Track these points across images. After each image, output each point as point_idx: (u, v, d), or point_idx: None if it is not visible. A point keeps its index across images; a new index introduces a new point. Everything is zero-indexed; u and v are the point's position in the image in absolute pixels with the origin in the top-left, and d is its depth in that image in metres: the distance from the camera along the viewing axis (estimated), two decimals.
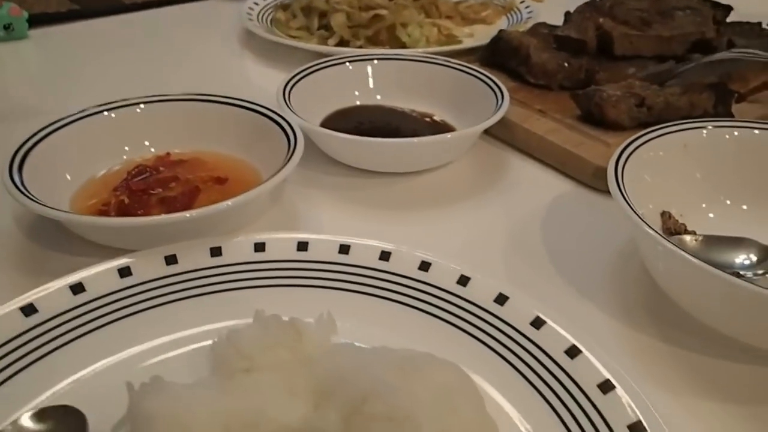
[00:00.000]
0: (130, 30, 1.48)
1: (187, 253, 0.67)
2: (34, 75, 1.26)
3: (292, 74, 0.97)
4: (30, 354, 0.58)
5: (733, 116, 0.94)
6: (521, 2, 1.51)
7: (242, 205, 0.70)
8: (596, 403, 0.52)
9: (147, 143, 0.87)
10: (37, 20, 1.40)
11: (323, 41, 1.27)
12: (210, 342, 0.59)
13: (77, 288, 0.62)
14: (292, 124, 0.82)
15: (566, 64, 1.07)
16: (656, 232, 0.61)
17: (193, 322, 0.62)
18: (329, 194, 0.87)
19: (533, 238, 0.80)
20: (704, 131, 0.79)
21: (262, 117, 0.85)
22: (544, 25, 1.22)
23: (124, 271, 0.64)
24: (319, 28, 1.31)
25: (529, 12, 1.45)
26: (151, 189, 0.79)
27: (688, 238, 0.72)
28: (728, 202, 0.79)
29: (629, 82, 0.97)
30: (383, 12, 1.29)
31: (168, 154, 0.86)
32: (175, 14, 1.57)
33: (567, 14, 1.19)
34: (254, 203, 0.76)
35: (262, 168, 0.82)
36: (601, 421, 0.51)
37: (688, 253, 0.58)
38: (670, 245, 0.60)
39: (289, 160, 0.75)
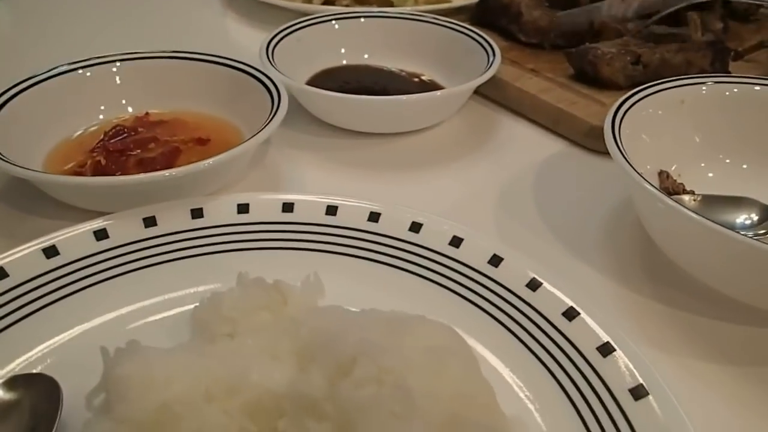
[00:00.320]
0: None
1: (167, 214, 0.64)
2: (5, 32, 1.22)
3: (276, 32, 0.94)
4: (1, 320, 0.55)
5: (730, 74, 0.91)
6: None
7: (224, 165, 0.67)
8: (596, 366, 0.50)
9: (124, 102, 0.84)
10: None
11: (309, 0, 1.23)
12: (191, 306, 0.57)
13: (51, 251, 0.59)
14: (276, 82, 0.79)
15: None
16: (657, 189, 0.59)
17: (173, 286, 0.60)
18: (314, 155, 0.84)
19: (525, 199, 0.78)
20: (703, 87, 0.77)
21: (245, 75, 0.81)
22: None
23: (100, 234, 0.62)
24: None
25: None
26: (129, 150, 0.76)
27: (686, 197, 0.70)
28: (728, 161, 0.77)
29: (624, 40, 0.94)
30: None
31: (147, 114, 0.83)
32: None
33: None
34: (236, 163, 0.73)
35: (244, 128, 0.79)
36: (601, 385, 0.49)
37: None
38: (672, 203, 0.58)
39: (272, 119, 0.72)
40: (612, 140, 0.66)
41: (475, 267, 0.60)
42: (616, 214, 0.75)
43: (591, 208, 0.76)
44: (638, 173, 0.61)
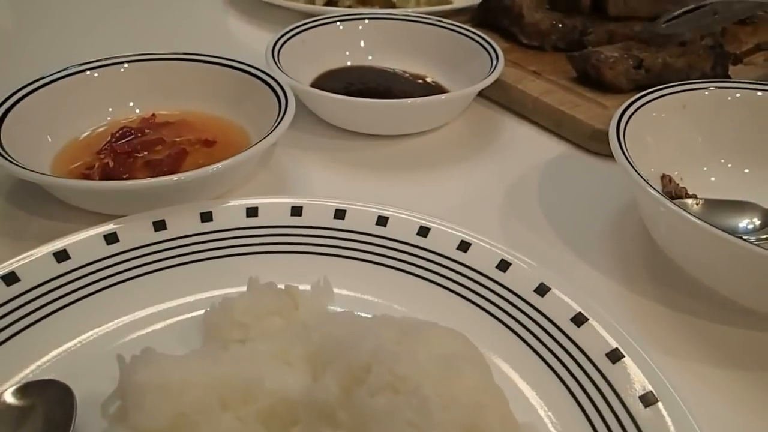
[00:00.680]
0: None
1: (177, 218, 0.64)
2: (12, 32, 1.21)
3: (281, 33, 0.94)
4: (12, 325, 0.55)
5: (730, 78, 0.92)
6: None
7: (232, 169, 0.68)
8: (605, 373, 0.51)
9: (131, 104, 0.84)
10: None
11: (311, 0, 1.23)
12: (202, 311, 0.57)
13: (61, 255, 0.59)
14: (282, 84, 0.79)
15: (560, 24, 1.05)
16: (661, 194, 0.60)
17: (184, 291, 0.60)
18: (320, 156, 0.85)
19: (529, 201, 0.78)
20: (706, 92, 0.77)
21: (251, 77, 0.82)
22: None
23: (111, 238, 0.62)
24: None
25: None
26: (137, 152, 0.76)
27: (689, 201, 0.71)
28: (729, 165, 0.77)
29: (627, 43, 0.95)
30: None
31: (153, 115, 0.83)
32: None
33: None
34: (244, 166, 0.73)
35: (250, 129, 0.80)
36: (611, 392, 0.50)
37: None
38: (675, 207, 0.58)
39: (280, 122, 0.72)
40: (617, 144, 0.67)
41: (484, 272, 0.60)
42: (620, 217, 0.76)
43: (594, 210, 0.77)
44: (642, 177, 0.62)
